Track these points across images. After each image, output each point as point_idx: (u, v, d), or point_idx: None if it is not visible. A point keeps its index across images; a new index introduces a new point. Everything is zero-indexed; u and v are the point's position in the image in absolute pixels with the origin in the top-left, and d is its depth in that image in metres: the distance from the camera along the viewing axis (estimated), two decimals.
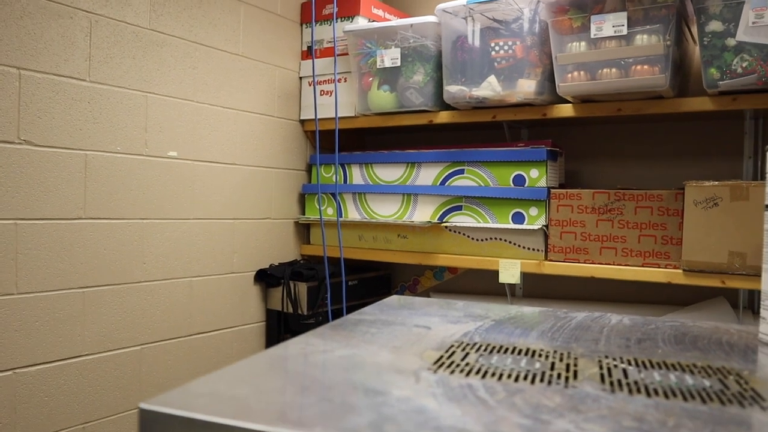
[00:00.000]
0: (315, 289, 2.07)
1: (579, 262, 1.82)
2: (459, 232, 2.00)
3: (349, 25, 2.12)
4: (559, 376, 0.65)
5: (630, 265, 1.76)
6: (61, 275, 1.56)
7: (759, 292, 1.88)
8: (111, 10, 1.65)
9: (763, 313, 0.84)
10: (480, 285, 2.33)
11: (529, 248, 1.89)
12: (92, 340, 1.63)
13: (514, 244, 1.91)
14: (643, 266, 1.74)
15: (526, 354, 0.74)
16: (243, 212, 2.06)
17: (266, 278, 2.10)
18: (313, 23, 2.19)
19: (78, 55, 1.59)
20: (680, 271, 1.67)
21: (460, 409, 0.53)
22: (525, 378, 0.64)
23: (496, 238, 1.94)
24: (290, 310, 2.05)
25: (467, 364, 0.68)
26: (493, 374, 0.65)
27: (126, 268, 1.71)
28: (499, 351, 0.74)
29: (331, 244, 2.22)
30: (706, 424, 0.52)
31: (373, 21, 2.19)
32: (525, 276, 2.24)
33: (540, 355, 0.73)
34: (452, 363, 0.68)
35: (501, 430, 0.49)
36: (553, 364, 0.70)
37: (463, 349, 0.74)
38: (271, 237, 2.17)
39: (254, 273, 2.10)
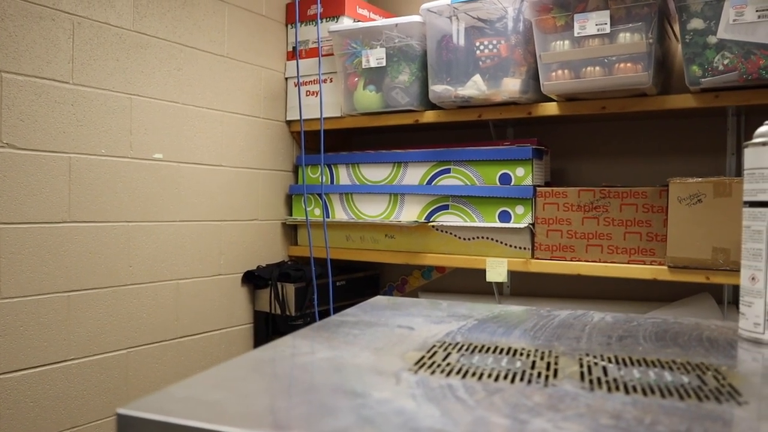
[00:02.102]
0: (303, 290, 2.06)
1: (565, 260, 1.83)
2: (446, 232, 2.01)
3: (334, 26, 2.12)
4: (539, 375, 0.65)
5: (616, 262, 1.77)
6: (45, 279, 1.55)
7: None
8: (94, 12, 1.64)
9: (742, 308, 0.85)
10: (468, 284, 2.34)
11: (515, 247, 1.90)
12: (78, 344, 1.62)
13: (501, 242, 1.92)
14: (628, 263, 1.75)
15: (508, 353, 0.74)
16: (230, 214, 2.05)
17: (254, 280, 2.10)
18: (297, 24, 2.19)
19: (61, 57, 1.58)
20: (665, 267, 1.69)
21: (439, 410, 0.54)
22: (505, 377, 0.64)
23: (482, 237, 1.94)
24: (278, 311, 2.05)
25: (448, 365, 0.68)
26: (474, 374, 0.65)
27: (112, 271, 1.70)
28: (480, 350, 0.75)
29: (318, 245, 2.22)
30: (683, 420, 0.53)
31: (358, 21, 2.19)
32: (512, 274, 2.24)
33: (521, 354, 0.73)
34: (433, 363, 0.69)
35: (479, 431, 0.49)
36: (533, 362, 0.70)
37: (445, 350, 0.75)
38: (258, 238, 2.17)
39: (241, 275, 2.10)
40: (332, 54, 2.16)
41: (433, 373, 0.65)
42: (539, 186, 1.91)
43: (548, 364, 0.70)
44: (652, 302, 2.01)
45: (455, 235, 1.99)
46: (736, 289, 1.92)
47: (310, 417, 0.51)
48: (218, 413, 0.51)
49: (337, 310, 2.16)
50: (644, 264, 1.73)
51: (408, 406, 0.54)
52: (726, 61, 1.57)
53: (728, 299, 1.91)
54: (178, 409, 0.51)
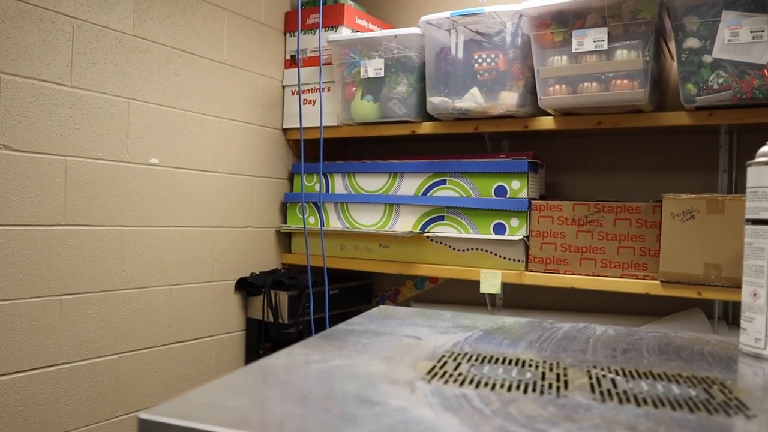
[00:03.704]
0: (296, 298, 2.06)
1: (559, 273, 1.84)
2: (440, 243, 2.01)
3: (333, 35, 2.13)
4: (550, 386, 0.66)
5: (609, 276, 1.79)
6: (38, 282, 1.54)
7: (733, 303, 1.92)
8: (94, 15, 1.64)
9: (743, 324, 0.86)
10: (461, 295, 2.35)
11: (509, 259, 1.91)
12: (69, 348, 1.61)
13: (495, 254, 1.93)
14: (621, 277, 1.77)
15: (517, 364, 0.75)
16: (224, 220, 2.05)
17: (247, 287, 2.09)
18: (299, 32, 2.20)
19: (60, 59, 1.57)
20: (658, 282, 1.70)
21: (457, 419, 0.54)
22: (517, 388, 0.65)
23: (477, 249, 1.95)
24: (271, 319, 2.04)
25: (460, 374, 0.69)
26: (486, 384, 0.66)
27: (105, 276, 1.69)
28: (490, 361, 0.75)
29: (312, 254, 2.21)
30: None
31: (357, 31, 2.20)
32: (505, 286, 2.26)
33: (530, 365, 0.74)
34: (445, 373, 0.69)
35: None
36: (543, 374, 0.71)
37: (455, 359, 0.75)
38: (252, 245, 2.16)
39: (235, 282, 2.09)
40: (330, 63, 2.17)
41: (446, 382, 0.65)
42: (534, 199, 1.93)
43: (558, 375, 0.70)
44: (644, 316, 2.03)
45: (450, 246, 2.00)
46: (726, 305, 1.94)
47: (331, 425, 0.51)
48: (240, 420, 0.51)
49: (330, 318, 2.15)
50: (637, 278, 1.75)
51: (426, 415, 0.55)
52: (721, 80, 1.60)
53: (719, 315, 1.93)
54: (200, 415, 0.51)
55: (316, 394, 0.59)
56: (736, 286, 1.59)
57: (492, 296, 2.27)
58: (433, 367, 0.71)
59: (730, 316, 1.93)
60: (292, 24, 2.26)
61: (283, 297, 2.04)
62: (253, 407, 0.54)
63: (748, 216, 0.87)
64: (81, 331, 1.63)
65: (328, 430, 0.49)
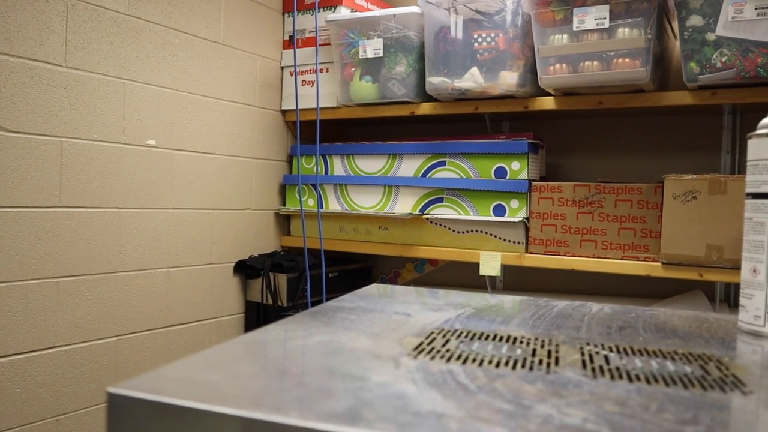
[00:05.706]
0: (295, 281, 2.05)
1: (559, 255, 1.82)
2: (440, 224, 1.99)
3: (331, 15, 2.10)
4: (540, 362, 0.64)
5: (609, 257, 1.76)
6: (35, 264, 1.53)
7: (735, 285, 1.90)
8: None
9: (742, 301, 0.84)
10: (461, 277, 2.33)
11: (509, 241, 1.89)
12: (67, 330, 1.60)
13: (495, 236, 1.91)
14: (622, 259, 1.75)
15: (507, 341, 0.73)
16: (223, 202, 2.03)
17: (246, 269, 2.08)
18: (295, 12, 2.17)
19: (54, 39, 1.55)
20: (659, 264, 1.68)
21: (440, 394, 0.52)
22: (506, 364, 0.63)
23: (477, 231, 1.93)
24: (270, 301, 2.03)
25: (448, 351, 0.67)
26: (474, 360, 0.64)
27: (102, 258, 1.68)
28: (480, 338, 0.74)
29: (311, 236, 2.20)
30: (689, 408, 0.52)
31: (356, 11, 2.17)
32: (505, 268, 2.24)
33: (521, 342, 0.72)
34: (432, 349, 0.67)
35: (482, 415, 0.48)
36: (534, 350, 0.69)
37: (444, 336, 0.73)
38: (250, 228, 2.15)
39: (233, 264, 2.08)
40: (329, 44, 2.14)
41: (432, 358, 0.64)
42: (534, 180, 1.90)
43: (549, 351, 0.69)
44: (645, 299, 2.01)
45: (449, 228, 1.98)
46: (728, 286, 1.92)
47: (307, 399, 0.49)
48: (213, 394, 0.49)
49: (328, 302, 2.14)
50: (638, 260, 1.73)
51: (408, 390, 0.53)
52: (724, 59, 1.56)
53: (720, 297, 1.91)
54: (171, 389, 0.50)
55: (296, 369, 0.57)
56: (738, 267, 1.57)
57: (492, 279, 2.25)
58: (421, 343, 0.69)
59: (731, 298, 1.91)
60: (290, 4, 2.23)
61: (282, 279, 2.03)
62: (228, 382, 0.52)
63: (748, 190, 0.84)
64: (78, 313, 1.63)
65: (302, 405, 0.48)
